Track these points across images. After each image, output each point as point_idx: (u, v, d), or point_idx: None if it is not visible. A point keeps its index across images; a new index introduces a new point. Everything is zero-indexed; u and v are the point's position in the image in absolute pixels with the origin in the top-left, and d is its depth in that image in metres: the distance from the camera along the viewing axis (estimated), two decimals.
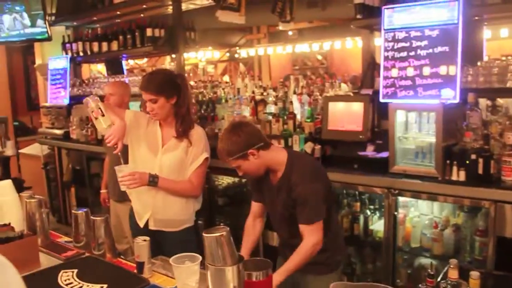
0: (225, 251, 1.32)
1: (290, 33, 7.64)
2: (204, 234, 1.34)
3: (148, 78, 2.56)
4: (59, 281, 1.72)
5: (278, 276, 2.07)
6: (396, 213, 3.07)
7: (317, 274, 2.31)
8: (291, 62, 9.12)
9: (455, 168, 2.85)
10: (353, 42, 6.83)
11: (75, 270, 1.79)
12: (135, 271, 1.85)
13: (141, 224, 2.63)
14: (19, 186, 3.92)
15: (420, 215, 3.21)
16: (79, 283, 1.69)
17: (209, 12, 4.45)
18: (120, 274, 1.82)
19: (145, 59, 7.65)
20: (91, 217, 2.00)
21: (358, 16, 3.57)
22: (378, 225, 3.38)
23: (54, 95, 6.02)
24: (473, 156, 2.79)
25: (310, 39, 7.60)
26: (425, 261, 3.13)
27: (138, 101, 4.89)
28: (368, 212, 3.43)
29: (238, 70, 8.58)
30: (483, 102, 3.06)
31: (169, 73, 2.64)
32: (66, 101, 5.74)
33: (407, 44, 3.14)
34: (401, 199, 3.10)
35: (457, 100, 2.92)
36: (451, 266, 1.77)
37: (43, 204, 2.15)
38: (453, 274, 1.77)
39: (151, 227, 2.60)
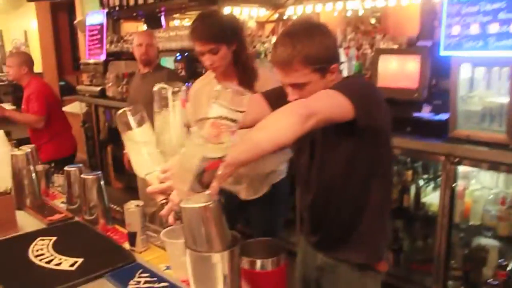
0: (211, 230, 0.94)
1: None
2: (181, 205, 0.96)
3: (201, 25, 2.06)
4: (29, 251, 1.42)
5: None
6: (454, 184, 2.61)
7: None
8: (343, 25, 8.47)
9: None
10: None
11: (53, 238, 1.50)
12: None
13: None
14: None
15: (482, 188, 2.73)
16: (51, 255, 1.39)
17: None
18: (103, 247, 1.50)
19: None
20: (82, 175, 1.68)
21: None
22: (431, 198, 2.94)
23: (92, 52, 5.81)
24: None
25: None
26: (485, 241, 2.69)
27: (172, 56, 4.59)
28: (421, 182, 2.97)
29: None
30: None
31: (222, 16, 2.21)
32: (102, 57, 5.52)
33: None
34: (461, 168, 2.63)
35: None
36: None
37: (31, 158, 1.85)
38: None
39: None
